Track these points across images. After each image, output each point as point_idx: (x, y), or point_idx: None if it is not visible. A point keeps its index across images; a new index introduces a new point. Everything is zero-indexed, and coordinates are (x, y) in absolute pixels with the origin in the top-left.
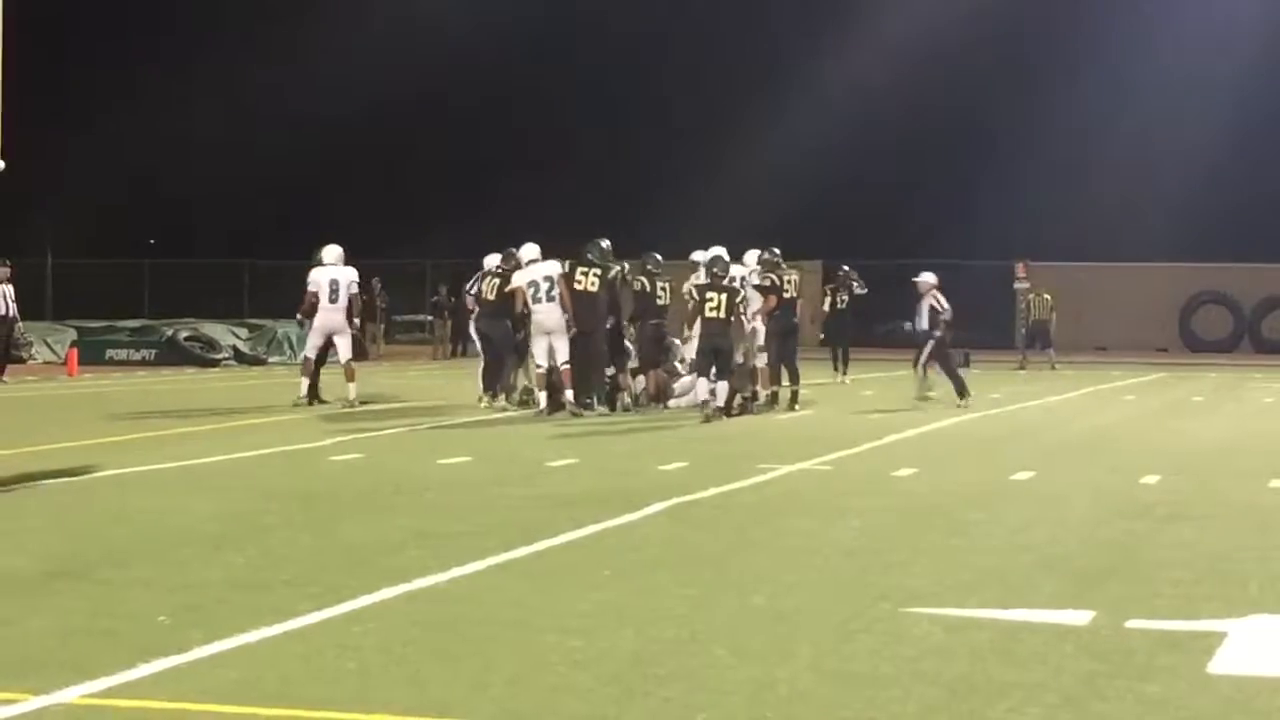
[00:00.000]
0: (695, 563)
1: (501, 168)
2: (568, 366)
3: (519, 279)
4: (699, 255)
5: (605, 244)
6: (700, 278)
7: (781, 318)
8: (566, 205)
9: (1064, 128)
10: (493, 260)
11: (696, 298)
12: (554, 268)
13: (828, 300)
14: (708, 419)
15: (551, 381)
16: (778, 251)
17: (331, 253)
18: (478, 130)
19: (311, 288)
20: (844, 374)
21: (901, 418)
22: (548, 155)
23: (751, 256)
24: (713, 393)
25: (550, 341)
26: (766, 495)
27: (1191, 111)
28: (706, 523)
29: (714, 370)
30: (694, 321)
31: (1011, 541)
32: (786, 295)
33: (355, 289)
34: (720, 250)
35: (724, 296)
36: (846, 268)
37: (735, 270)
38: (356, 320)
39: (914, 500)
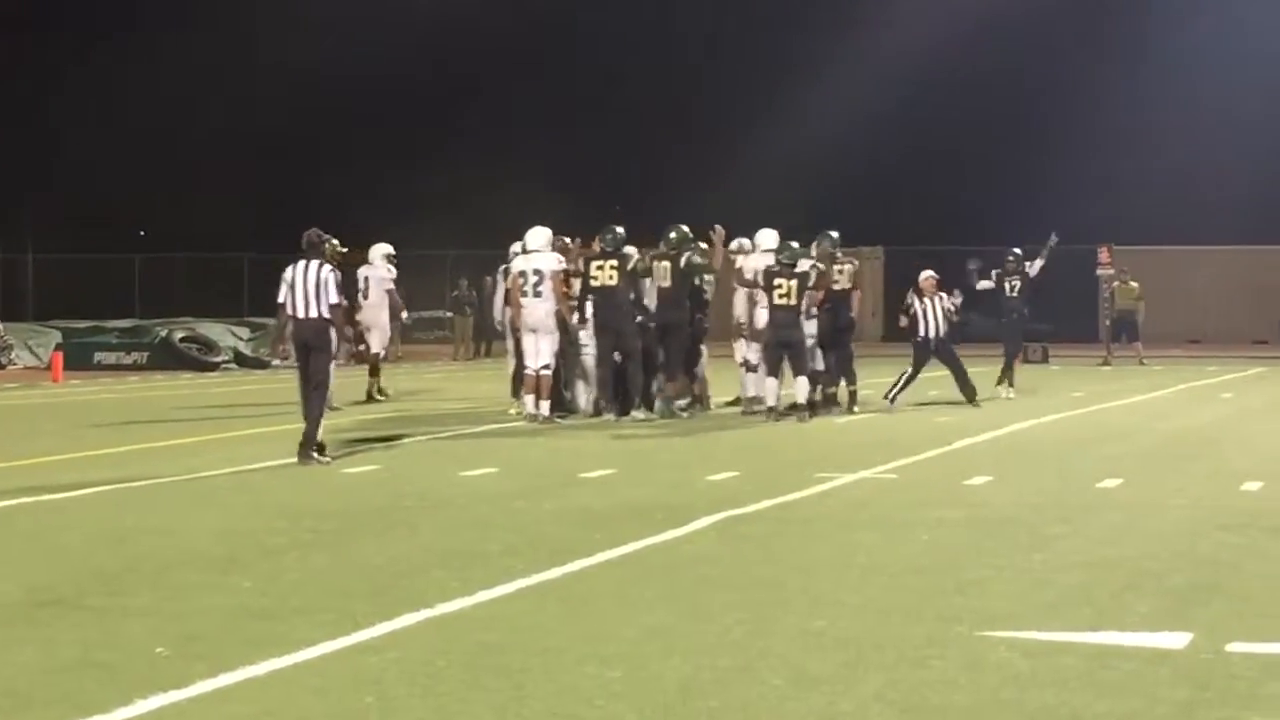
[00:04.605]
0: (748, 583)
1: (523, 148)
2: (548, 371)
3: (514, 267)
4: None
5: (685, 228)
6: (749, 263)
7: (833, 311)
8: (591, 186)
9: (1147, 94)
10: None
11: (762, 286)
12: (548, 261)
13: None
14: (777, 420)
15: (539, 385)
16: (835, 236)
17: None
18: (498, 108)
19: None
20: (1010, 385)
21: (973, 420)
22: (569, 134)
23: (769, 236)
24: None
25: (535, 340)
26: (826, 507)
27: None
28: (760, 538)
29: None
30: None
31: (1099, 557)
32: (838, 286)
33: None
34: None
35: (793, 283)
36: (1019, 250)
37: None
38: None
39: (989, 511)
